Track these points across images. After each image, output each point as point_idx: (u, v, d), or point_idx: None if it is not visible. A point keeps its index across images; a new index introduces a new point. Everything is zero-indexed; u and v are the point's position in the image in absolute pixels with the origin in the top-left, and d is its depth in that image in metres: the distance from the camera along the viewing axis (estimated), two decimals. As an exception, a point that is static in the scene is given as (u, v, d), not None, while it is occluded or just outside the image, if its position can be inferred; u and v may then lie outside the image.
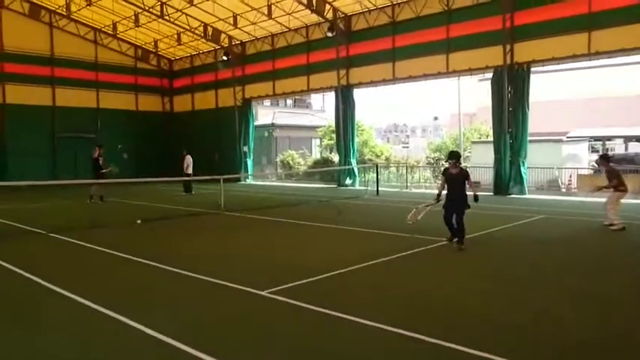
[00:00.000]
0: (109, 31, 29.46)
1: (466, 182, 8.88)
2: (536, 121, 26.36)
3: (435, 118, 79.01)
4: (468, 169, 9.76)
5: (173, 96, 33.81)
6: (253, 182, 28.90)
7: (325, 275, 7.02)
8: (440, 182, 9.38)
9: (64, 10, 27.13)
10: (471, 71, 20.34)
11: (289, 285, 6.49)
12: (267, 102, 37.06)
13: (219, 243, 10.08)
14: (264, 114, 36.46)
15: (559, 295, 6.11)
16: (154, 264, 7.86)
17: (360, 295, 6.27)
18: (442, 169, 9.54)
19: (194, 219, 13.70)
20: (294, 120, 36.45)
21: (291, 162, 29.81)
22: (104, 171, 17.98)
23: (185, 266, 7.53)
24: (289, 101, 42.11)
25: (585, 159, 21.29)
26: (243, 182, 28.39)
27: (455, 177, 8.91)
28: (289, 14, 23.87)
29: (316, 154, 32.06)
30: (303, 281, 6.71)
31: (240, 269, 7.62)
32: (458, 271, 7.54)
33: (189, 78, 32.51)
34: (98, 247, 9.25)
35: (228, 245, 9.83)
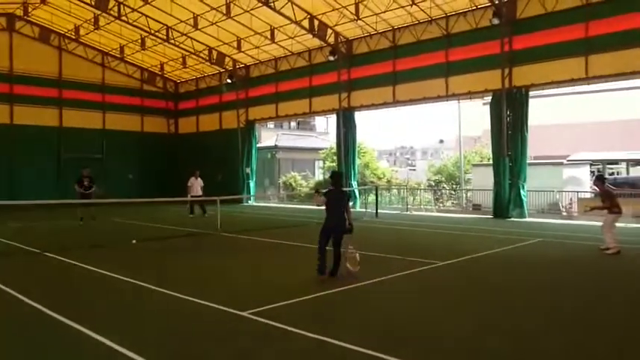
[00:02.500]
0: (117, 54, 30.03)
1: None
2: (539, 145, 26.44)
3: (441, 141, 78.96)
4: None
5: (178, 118, 34.24)
6: (256, 203, 28.96)
7: (309, 297, 7.02)
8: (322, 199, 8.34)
9: (73, 33, 27.76)
10: (470, 95, 20.46)
11: (271, 306, 6.50)
12: (270, 124, 37.37)
13: (208, 263, 10.10)
14: (267, 136, 36.75)
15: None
16: (139, 283, 7.90)
17: (339, 317, 6.27)
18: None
19: (189, 240, 13.73)
20: (297, 142, 36.67)
21: (293, 184, 29.93)
22: (87, 192, 17.62)
23: (170, 286, 7.56)
24: (293, 123, 42.39)
25: (586, 182, 21.15)
26: (245, 203, 28.48)
27: (337, 198, 8.26)
28: (292, 38, 24.25)
29: (319, 176, 32.16)
30: (286, 302, 6.70)
31: (225, 290, 7.65)
32: (440, 294, 7.53)
33: (194, 100, 32.96)
34: (85, 266, 9.31)
35: (217, 265, 9.85)
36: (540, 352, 4.91)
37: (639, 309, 6.59)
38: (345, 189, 8.63)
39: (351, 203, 8.39)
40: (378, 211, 20.32)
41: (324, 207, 8.29)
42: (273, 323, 5.75)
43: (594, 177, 11.55)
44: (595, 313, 6.40)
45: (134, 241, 12.68)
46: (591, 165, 22.48)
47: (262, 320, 5.88)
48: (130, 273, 8.56)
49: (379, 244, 12.18)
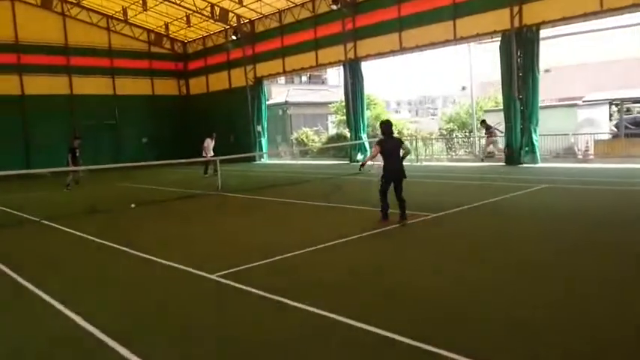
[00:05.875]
0: (120, 17, 29.62)
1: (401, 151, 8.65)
2: (555, 87, 25.23)
3: (463, 88, 76.81)
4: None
5: (189, 78, 33.98)
6: (269, 161, 28.89)
7: (284, 256, 6.86)
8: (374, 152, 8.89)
9: (75, -3, 27.42)
10: (479, 37, 19.49)
11: (243, 267, 6.39)
12: (281, 80, 36.73)
13: (197, 225, 10.00)
14: (278, 92, 36.16)
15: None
16: (121, 248, 7.90)
17: (308, 277, 6.10)
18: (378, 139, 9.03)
19: (188, 201, 13.69)
20: (309, 97, 36.01)
21: (305, 139, 29.59)
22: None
23: (149, 250, 7.55)
24: (304, 78, 41.58)
25: (605, 123, 20.18)
26: (258, 161, 28.45)
27: (392, 146, 8.60)
28: (294, -12, 23.42)
29: (332, 130, 31.69)
30: (259, 263, 6.57)
31: (202, 252, 7.57)
32: (421, 248, 7.30)
33: (202, 60, 32.57)
34: (76, 232, 9.38)
35: (204, 227, 9.76)
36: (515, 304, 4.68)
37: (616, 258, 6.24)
38: (396, 136, 9.01)
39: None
40: (387, 163, 19.92)
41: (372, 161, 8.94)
42: (235, 284, 5.64)
43: (480, 121, 13.44)
44: (566, 264, 6.09)
45: (133, 205, 12.73)
46: (611, 105, 21.34)
47: (225, 282, 5.79)
48: (114, 237, 8.58)
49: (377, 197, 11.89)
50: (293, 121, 33.16)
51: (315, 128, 31.17)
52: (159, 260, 7.00)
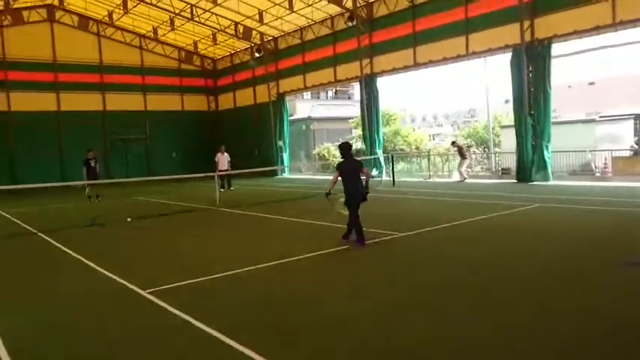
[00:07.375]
0: (152, 36, 30.85)
1: (361, 173, 8.51)
2: (600, 100, 24.27)
3: (506, 101, 74.98)
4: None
5: (218, 95, 34.90)
6: (290, 176, 29.15)
7: (226, 274, 6.95)
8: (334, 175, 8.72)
9: (108, 19, 28.78)
10: (491, 51, 19.09)
11: (180, 284, 6.53)
12: (307, 95, 37.11)
13: (172, 241, 10.05)
14: (303, 107, 36.48)
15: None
16: (87, 262, 8.22)
17: (232, 300, 6.16)
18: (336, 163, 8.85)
19: (181, 216, 13.84)
20: (333, 112, 36.14)
21: (327, 154, 29.72)
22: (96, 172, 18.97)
23: (109, 265, 7.75)
24: (330, 93, 41.79)
25: (628, 139, 19.21)
26: (280, 176, 28.78)
27: (350, 169, 8.46)
28: (311, 6, 23.74)
29: (355, 144, 31.68)
30: (198, 280, 6.69)
31: (156, 267, 7.76)
32: (356, 270, 7.24)
33: (230, 76, 33.41)
34: (57, 244, 9.81)
35: (177, 243, 9.80)
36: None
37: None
38: (357, 158, 9.00)
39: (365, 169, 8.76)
40: (400, 179, 19.84)
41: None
42: (160, 302, 5.78)
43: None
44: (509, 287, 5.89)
45: (129, 219, 13.16)
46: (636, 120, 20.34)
47: (151, 298, 5.94)
48: (87, 252, 8.92)
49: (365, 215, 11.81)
50: (316, 136, 33.39)
51: (337, 143, 31.25)
52: (110, 275, 7.26)
